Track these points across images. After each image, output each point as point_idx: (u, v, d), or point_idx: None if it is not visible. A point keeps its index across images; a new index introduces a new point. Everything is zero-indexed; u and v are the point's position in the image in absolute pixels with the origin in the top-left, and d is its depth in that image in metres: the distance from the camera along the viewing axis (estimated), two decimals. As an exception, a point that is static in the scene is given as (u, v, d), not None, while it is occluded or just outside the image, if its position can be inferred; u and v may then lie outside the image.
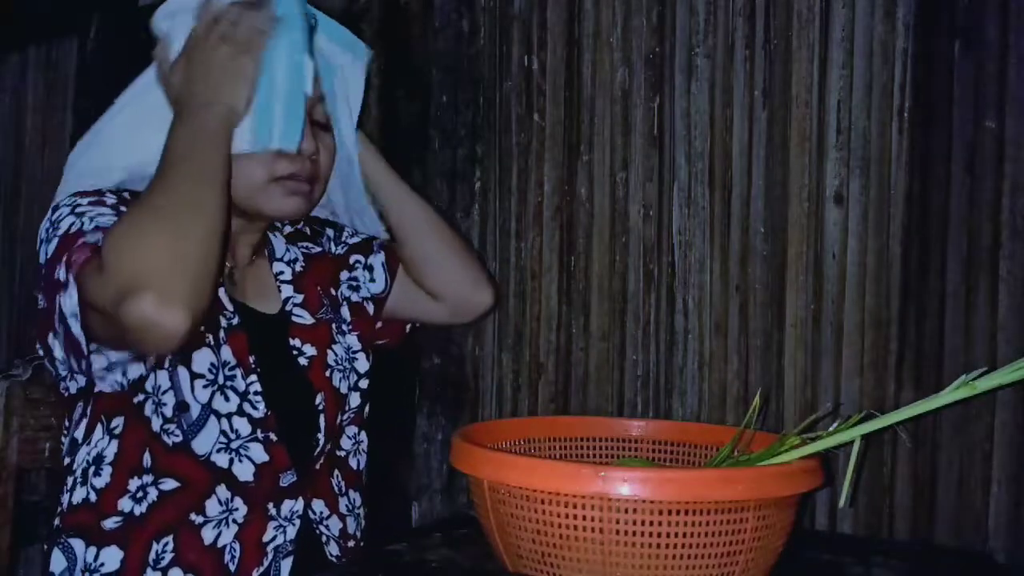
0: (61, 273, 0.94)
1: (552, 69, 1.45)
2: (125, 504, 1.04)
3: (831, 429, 0.91)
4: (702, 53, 1.31)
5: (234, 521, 1.05)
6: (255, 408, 1.07)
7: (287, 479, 1.09)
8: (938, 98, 1.15)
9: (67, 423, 1.11)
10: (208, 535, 1.04)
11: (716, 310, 1.30)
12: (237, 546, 1.05)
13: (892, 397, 1.17)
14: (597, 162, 1.40)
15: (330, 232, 1.29)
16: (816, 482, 0.86)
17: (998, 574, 1.05)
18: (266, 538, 1.07)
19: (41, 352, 1.04)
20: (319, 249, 1.26)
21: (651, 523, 0.81)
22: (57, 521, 1.07)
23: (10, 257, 2.21)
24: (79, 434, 1.07)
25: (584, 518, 0.82)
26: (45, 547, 1.06)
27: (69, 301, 0.93)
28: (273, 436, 1.08)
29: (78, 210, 0.99)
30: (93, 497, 1.05)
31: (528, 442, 1.12)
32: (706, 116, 1.31)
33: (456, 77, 1.54)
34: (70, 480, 1.07)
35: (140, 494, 1.04)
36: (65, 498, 1.07)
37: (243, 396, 1.07)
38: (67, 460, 1.08)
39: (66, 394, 1.09)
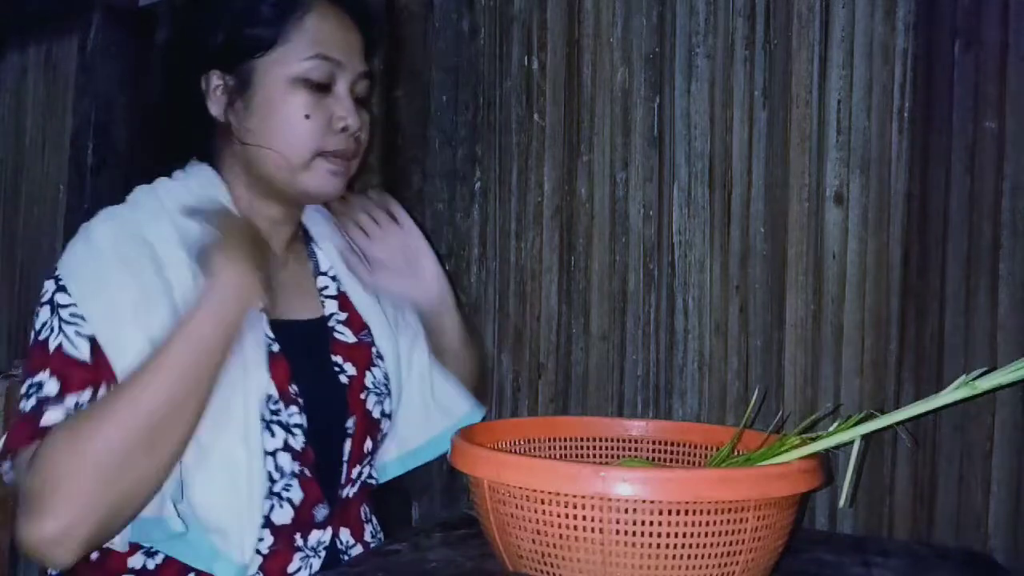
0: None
1: (552, 69, 1.45)
2: (136, 560, 1.00)
3: (831, 429, 0.91)
4: (702, 53, 1.31)
5: (258, 551, 1.02)
6: (295, 440, 1.04)
7: (320, 512, 1.07)
8: (938, 98, 1.15)
9: None
10: None
11: (716, 310, 1.30)
12: None
13: (892, 397, 1.17)
14: (597, 162, 1.40)
15: None
16: (816, 482, 0.86)
17: (998, 574, 1.05)
18: (291, 568, 1.04)
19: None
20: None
21: (651, 523, 0.81)
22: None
23: (10, 257, 2.21)
24: None
25: (584, 518, 0.82)
26: None
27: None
28: (308, 472, 1.05)
29: (58, 307, 0.96)
30: (95, 555, 1.00)
31: (528, 442, 1.12)
32: (706, 116, 1.31)
33: (456, 77, 1.53)
34: None
35: (154, 548, 1.00)
36: None
37: (287, 429, 1.04)
38: None
39: None
